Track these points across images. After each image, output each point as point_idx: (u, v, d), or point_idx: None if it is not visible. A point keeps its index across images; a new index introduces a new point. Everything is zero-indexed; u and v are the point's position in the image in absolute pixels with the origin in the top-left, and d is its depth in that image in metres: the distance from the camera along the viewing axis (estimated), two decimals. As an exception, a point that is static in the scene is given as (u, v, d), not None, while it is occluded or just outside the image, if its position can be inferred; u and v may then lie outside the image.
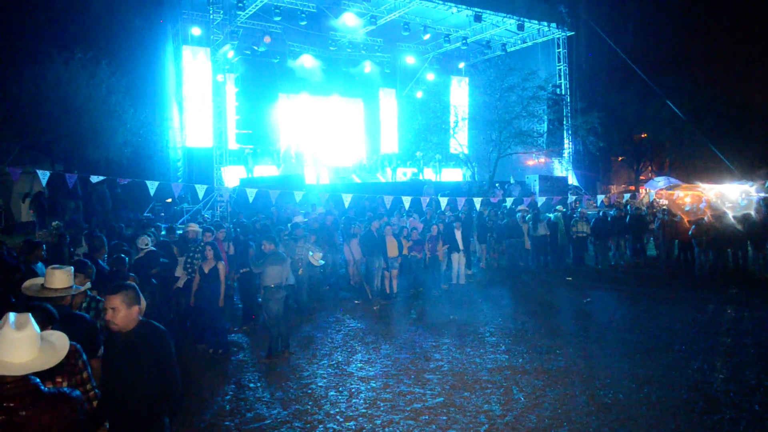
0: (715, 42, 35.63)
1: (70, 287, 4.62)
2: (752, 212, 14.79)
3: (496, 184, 23.69)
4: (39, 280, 4.71)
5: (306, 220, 13.36)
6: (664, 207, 18.50)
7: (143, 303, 3.87)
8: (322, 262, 11.36)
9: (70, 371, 3.75)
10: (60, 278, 4.57)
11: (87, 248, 9.26)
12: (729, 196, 21.47)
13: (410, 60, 29.60)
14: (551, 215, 16.39)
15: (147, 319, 3.89)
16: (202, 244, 8.86)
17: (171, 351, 3.87)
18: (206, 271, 8.53)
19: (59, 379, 3.66)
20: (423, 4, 23.23)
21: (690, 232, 14.17)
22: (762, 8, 32.91)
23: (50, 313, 3.78)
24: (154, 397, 3.74)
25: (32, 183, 17.30)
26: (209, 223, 12.29)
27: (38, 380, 2.59)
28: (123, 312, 3.67)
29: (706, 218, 14.12)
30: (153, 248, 8.67)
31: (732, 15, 35.54)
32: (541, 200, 17.57)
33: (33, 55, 18.32)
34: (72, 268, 4.80)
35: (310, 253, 10.71)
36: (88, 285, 5.07)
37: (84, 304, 5.03)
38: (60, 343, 2.88)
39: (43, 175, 11.52)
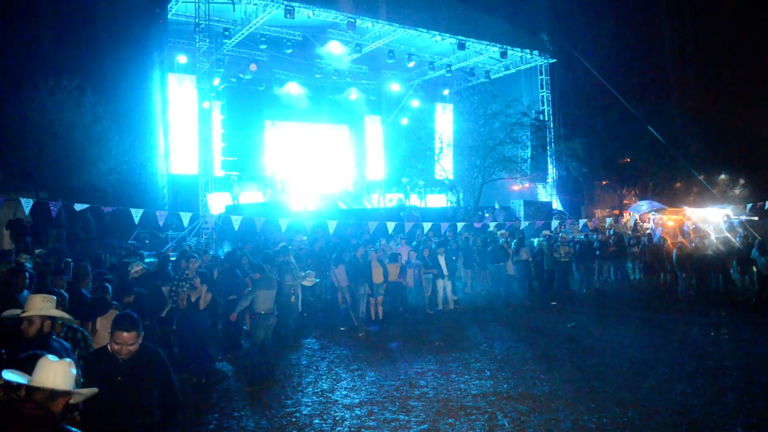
0: (695, 68, 36.48)
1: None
2: (732, 236, 15.01)
3: (480, 211, 23.81)
4: (18, 311, 4.67)
5: (290, 247, 13.37)
6: (647, 231, 18.72)
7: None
8: (317, 280, 11.45)
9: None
10: (42, 307, 4.54)
11: (71, 276, 9.17)
12: (711, 219, 21.77)
13: (395, 87, 29.95)
14: (535, 240, 16.52)
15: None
16: (186, 273, 8.82)
17: (170, 369, 4.13)
18: (193, 299, 8.48)
19: None
20: (407, 32, 23.64)
21: (675, 260, 14.22)
22: (741, 34, 33.81)
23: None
24: (157, 414, 3.98)
25: (15, 211, 17.15)
26: (193, 251, 12.23)
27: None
28: (136, 345, 3.89)
29: (687, 242, 14.24)
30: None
31: (710, 41, 36.48)
32: (524, 225, 17.70)
33: (18, 84, 18.30)
34: (55, 297, 4.78)
35: (303, 273, 10.79)
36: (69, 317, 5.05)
37: (62, 333, 4.98)
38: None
39: (27, 203, 11.44)
